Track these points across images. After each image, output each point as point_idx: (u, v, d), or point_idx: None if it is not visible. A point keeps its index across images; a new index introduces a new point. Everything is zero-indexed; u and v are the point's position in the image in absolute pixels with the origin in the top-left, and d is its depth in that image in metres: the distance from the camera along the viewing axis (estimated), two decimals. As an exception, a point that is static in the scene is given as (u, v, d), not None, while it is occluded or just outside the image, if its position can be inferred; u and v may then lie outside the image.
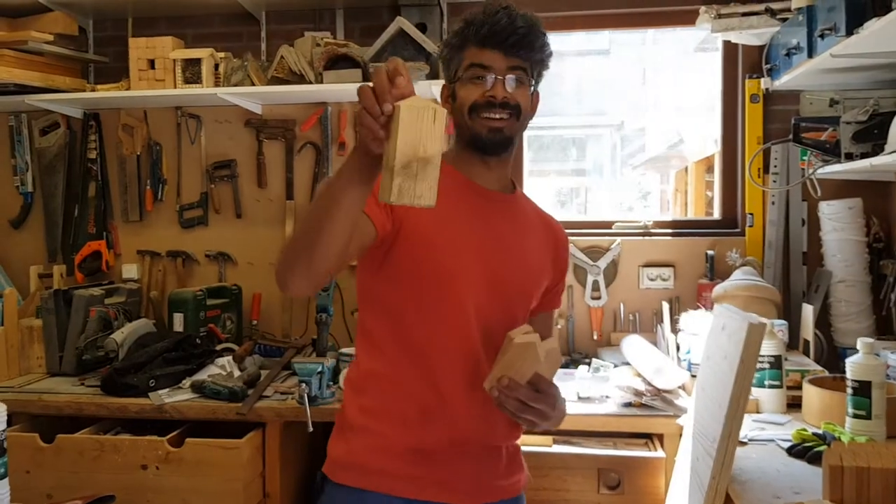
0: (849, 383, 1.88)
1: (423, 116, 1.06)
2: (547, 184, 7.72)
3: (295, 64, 2.70)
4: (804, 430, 1.90)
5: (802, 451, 1.80)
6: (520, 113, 1.49)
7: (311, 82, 2.72)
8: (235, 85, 2.77)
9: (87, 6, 2.98)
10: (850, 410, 1.87)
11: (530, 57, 1.49)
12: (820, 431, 1.88)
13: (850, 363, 1.88)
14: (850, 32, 2.04)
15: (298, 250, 1.25)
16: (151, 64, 2.79)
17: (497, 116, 1.47)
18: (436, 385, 1.46)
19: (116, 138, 3.10)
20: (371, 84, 1.07)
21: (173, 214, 3.10)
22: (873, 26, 1.91)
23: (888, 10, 1.84)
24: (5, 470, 1.48)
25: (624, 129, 8.37)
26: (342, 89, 2.73)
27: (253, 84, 2.78)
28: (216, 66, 2.80)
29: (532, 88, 1.52)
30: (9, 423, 2.40)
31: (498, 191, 1.58)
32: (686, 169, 4.09)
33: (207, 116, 3.06)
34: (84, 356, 2.62)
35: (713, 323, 1.94)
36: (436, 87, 2.67)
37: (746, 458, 1.81)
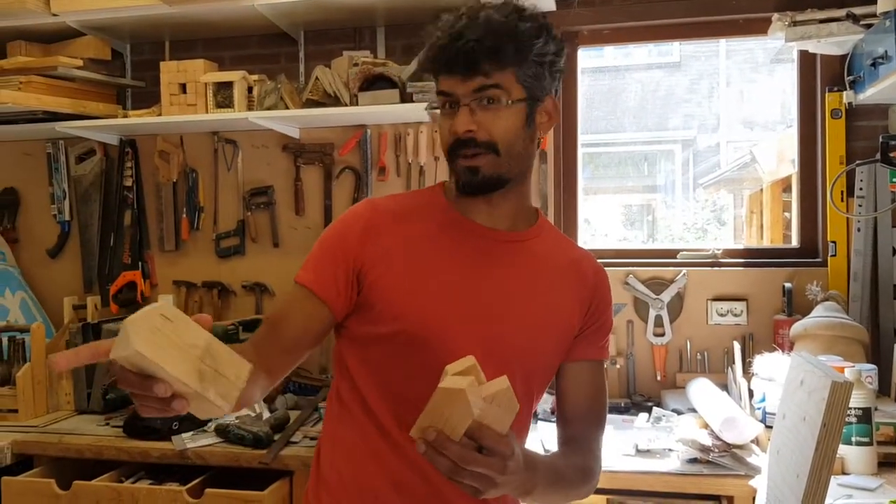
0: (955, 446, 1.60)
1: (152, 324, 0.88)
2: (616, 201, 7.47)
3: (330, 85, 2.55)
4: (901, 502, 1.62)
5: (901, 531, 1.52)
6: (496, 146, 1.24)
7: (346, 104, 2.56)
8: (269, 108, 2.63)
9: (124, 30, 2.89)
10: (959, 479, 1.59)
11: (502, 67, 1.23)
12: (921, 504, 1.60)
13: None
14: (948, 36, 1.77)
15: None
16: (183, 88, 2.68)
17: (470, 153, 1.24)
18: (416, 461, 1.22)
19: (153, 165, 3.00)
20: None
21: (210, 243, 2.98)
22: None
23: None
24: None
25: (696, 146, 8.07)
26: (380, 111, 2.56)
27: (287, 107, 2.64)
28: (249, 89, 2.68)
29: (524, 102, 1.27)
30: (29, 466, 2.32)
31: (506, 229, 1.35)
32: (761, 190, 3.80)
33: (244, 141, 2.94)
34: (108, 395, 2.50)
35: (789, 376, 1.68)
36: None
37: (831, 536, 1.55)
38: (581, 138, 2.87)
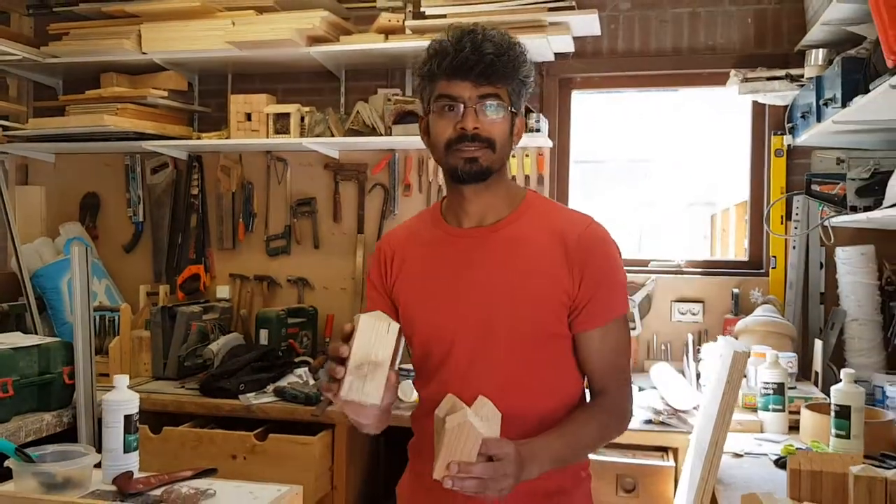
0: (833, 407, 2.18)
1: (377, 327, 1.25)
2: (613, 215, 7.98)
3: (368, 118, 3.14)
4: (791, 445, 2.20)
5: (785, 462, 2.10)
6: (494, 144, 1.43)
7: (381, 134, 3.16)
8: (318, 135, 3.22)
9: (195, 65, 3.48)
10: (833, 431, 2.16)
11: (504, 82, 1.42)
12: (804, 447, 2.18)
13: (834, 390, 2.18)
14: (844, 104, 2.36)
15: None
16: (248, 116, 3.27)
17: (472, 147, 1.42)
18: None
19: (215, 178, 3.59)
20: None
21: (261, 244, 3.57)
22: (860, 101, 2.23)
23: (867, 90, 2.17)
24: (137, 444, 1.91)
25: (686, 165, 8.57)
26: (409, 140, 3.15)
27: (332, 134, 3.22)
28: (302, 119, 3.26)
29: (511, 113, 1.46)
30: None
31: (491, 223, 1.50)
32: (728, 210, 4.37)
33: (293, 160, 3.53)
34: (185, 363, 3.08)
35: (718, 353, 2.26)
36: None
37: (739, 468, 2.12)
38: (581, 154, 3.39)
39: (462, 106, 1.41)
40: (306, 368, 3.01)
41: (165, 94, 3.29)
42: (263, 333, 3.19)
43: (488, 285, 1.46)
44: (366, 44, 3.12)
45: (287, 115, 3.23)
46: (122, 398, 1.90)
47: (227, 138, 3.32)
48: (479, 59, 1.38)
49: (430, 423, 1.33)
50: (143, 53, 3.28)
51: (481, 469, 1.21)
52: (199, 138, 3.40)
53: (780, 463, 2.11)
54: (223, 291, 3.54)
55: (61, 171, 3.76)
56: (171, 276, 3.59)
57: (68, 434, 2.57)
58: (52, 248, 3.47)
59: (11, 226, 3.11)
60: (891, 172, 2.46)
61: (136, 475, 1.84)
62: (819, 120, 2.62)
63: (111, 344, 3.06)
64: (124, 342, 3.11)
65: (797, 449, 2.16)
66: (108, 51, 3.26)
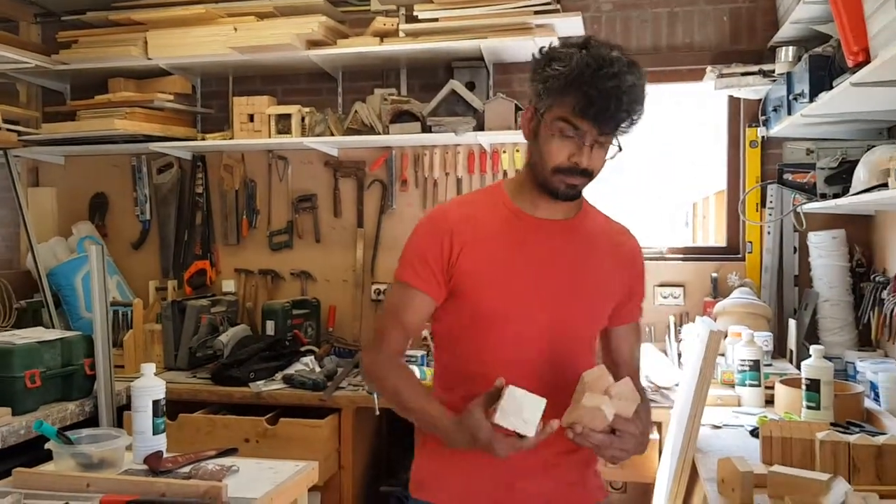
0: (804, 381, 2.37)
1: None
2: (602, 203, 8.14)
3: (367, 118, 3.30)
4: (766, 417, 2.38)
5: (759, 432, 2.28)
6: (593, 176, 1.52)
7: (379, 133, 3.32)
8: (318, 135, 3.38)
9: (198, 69, 3.63)
10: (804, 403, 2.36)
11: (622, 130, 1.48)
12: (777, 418, 2.37)
13: (805, 365, 2.37)
14: (812, 99, 2.54)
15: (388, 400, 1.61)
16: (251, 118, 3.43)
17: (578, 179, 1.50)
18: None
19: (219, 176, 3.74)
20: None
21: (264, 239, 3.73)
22: (825, 97, 2.41)
23: (831, 86, 2.35)
24: (164, 426, 2.07)
25: (669, 155, 8.76)
26: (405, 138, 3.32)
27: (332, 134, 3.38)
28: (303, 119, 3.42)
29: (616, 147, 1.52)
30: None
31: (562, 218, 1.59)
32: (707, 199, 4.55)
33: (294, 158, 3.69)
34: (197, 353, 3.24)
35: (696, 333, 2.45)
36: (482, 137, 3.25)
37: (717, 438, 2.30)
38: None
39: (582, 139, 1.45)
40: (312, 357, 3.18)
41: (171, 97, 3.44)
42: (270, 324, 3.35)
43: (570, 273, 1.57)
44: (362, 47, 3.28)
45: (288, 115, 3.38)
46: (150, 384, 2.07)
47: (230, 139, 3.48)
48: (616, 113, 1.42)
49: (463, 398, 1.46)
50: (149, 59, 3.42)
51: (601, 439, 1.39)
52: (203, 139, 3.55)
53: (755, 433, 2.28)
54: (229, 285, 3.69)
55: (71, 172, 3.91)
56: (178, 272, 3.74)
57: (90, 422, 2.74)
58: (65, 246, 3.62)
59: (28, 226, 3.26)
60: (857, 161, 2.64)
61: (165, 455, 2.01)
62: (790, 113, 2.80)
63: (125, 337, 3.21)
64: (138, 335, 3.26)
65: (770, 420, 2.34)
66: (116, 57, 3.41)
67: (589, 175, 1.51)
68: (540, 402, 1.36)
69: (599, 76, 1.39)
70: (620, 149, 1.52)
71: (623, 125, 1.45)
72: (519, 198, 1.60)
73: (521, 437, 1.37)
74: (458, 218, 1.58)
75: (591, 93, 1.39)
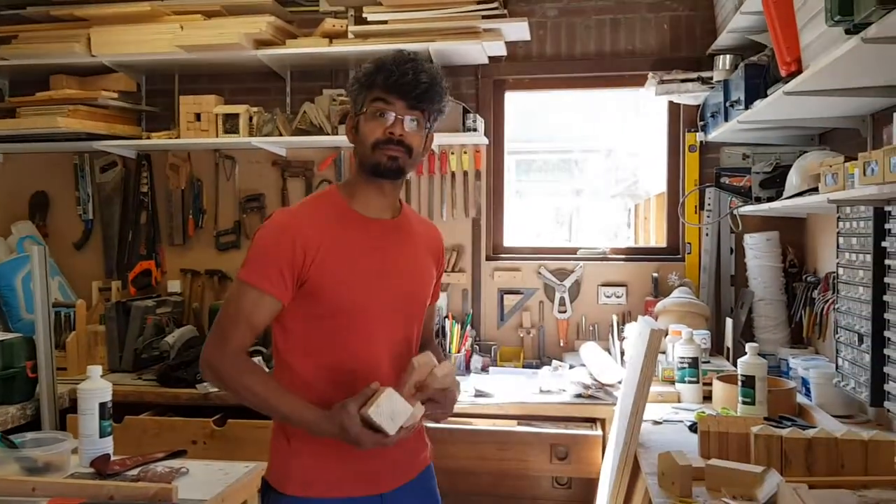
0: (739, 378, 2.46)
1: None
2: (547, 203, 8.25)
3: (315, 118, 3.31)
4: (704, 412, 2.48)
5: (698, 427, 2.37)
6: (412, 151, 1.69)
7: (328, 133, 3.33)
8: (266, 135, 3.38)
9: (142, 67, 3.59)
10: (740, 398, 2.45)
11: (428, 108, 1.69)
12: (714, 414, 2.46)
13: (740, 362, 2.47)
14: (747, 106, 2.64)
15: (238, 397, 1.66)
16: (198, 117, 3.40)
17: (396, 149, 1.67)
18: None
19: (164, 175, 3.70)
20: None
21: (211, 239, 3.71)
22: (759, 105, 2.51)
23: (766, 94, 2.45)
24: (111, 429, 2.06)
25: (613, 157, 8.93)
26: (353, 139, 3.33)
27: (280, 134, 3.38)
28: (251, 119, 3.41)
29: (426, 132, 1.73)
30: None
31: (390, 217, 1.78)
32: (649, 201, 4.68)
33: (241, 157, 3.67)
34: (142, 355, 3.21)
35: (638, 331, 2.53)
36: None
37: (658, 434, 2.38)
38: (517, 146, 3.61)
39: (393, 115, 1.66)
40: (260, 357, 3.17)
41: (116, 95, 3.39)
42: (217, 325, 3.32)
43: (405, 265, 1.78)
44: (311, 48, 3.29)
45: (236, 115, 3.37)
46: (97, 387, 2.06)
47: (177, 138, 3.45)
48: (416, 85, 1.66)
49: (334, 398, 1.59)
50: (93, 56, 3.37)
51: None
52: (149, 138, 3.51)
53: (694, 428, 2.36)
54: (174, 286, 3.65)
55: (9, 170, 3.82)
56: (122, 272, 3.69)
57: (32, 426, 2.70)
58: (4, 246, 3.55)
59: (-35, 226, 3.18)
60: (790, 166, 2.75)
61: (112, 458, 2.00)
62: (727, 119, 2.91)
63: (68, 339, 3.16)
64: (80, 337, 3.21)
65: (708, 415, 2.44)
66: (58, 54, 3.35)
67: (407, 149, 1.68)
68: (408, 409, 1.55)
69: (399, 60, 1.66)
70: (428, 131, 1.73)
71: (426, 102, 1.68)
72: (352, 200, 1.75)
73: (382, 433, 1.53)
74: (304, 223, 1.68)
75: (393, 69, 1.65)
